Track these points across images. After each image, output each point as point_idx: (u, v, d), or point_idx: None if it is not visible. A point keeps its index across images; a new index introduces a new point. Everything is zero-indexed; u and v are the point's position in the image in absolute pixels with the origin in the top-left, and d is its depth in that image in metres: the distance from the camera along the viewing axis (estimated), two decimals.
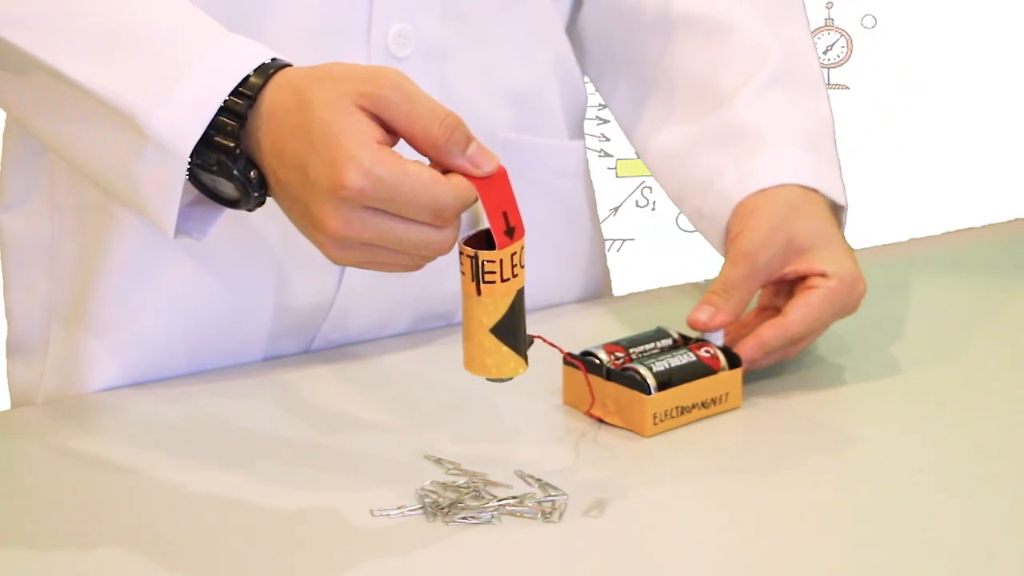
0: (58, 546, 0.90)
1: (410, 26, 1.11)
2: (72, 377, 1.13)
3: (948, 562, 0.87)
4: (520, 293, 0.89)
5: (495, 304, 0.88)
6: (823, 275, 1.11)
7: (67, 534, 0.91)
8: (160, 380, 1.12)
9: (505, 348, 0.90)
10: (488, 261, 0.87)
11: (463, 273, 0.88)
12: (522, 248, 0.88)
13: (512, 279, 0.88)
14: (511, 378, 0.91)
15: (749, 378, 1.07)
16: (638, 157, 1.32)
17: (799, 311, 1.10)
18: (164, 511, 0.94)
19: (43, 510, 0.95)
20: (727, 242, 1.15)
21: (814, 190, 1.16)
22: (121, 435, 1.05)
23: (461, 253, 0.88)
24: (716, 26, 1.24)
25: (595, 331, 1.10)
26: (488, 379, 0.91)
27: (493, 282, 0.88)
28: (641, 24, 1.26)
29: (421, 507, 0.92)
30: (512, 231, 0.88)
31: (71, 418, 1.08)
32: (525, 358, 0.91)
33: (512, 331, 0.89)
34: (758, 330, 1.09)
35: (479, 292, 0.88)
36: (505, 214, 0.88)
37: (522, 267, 0.89)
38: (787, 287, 1.14)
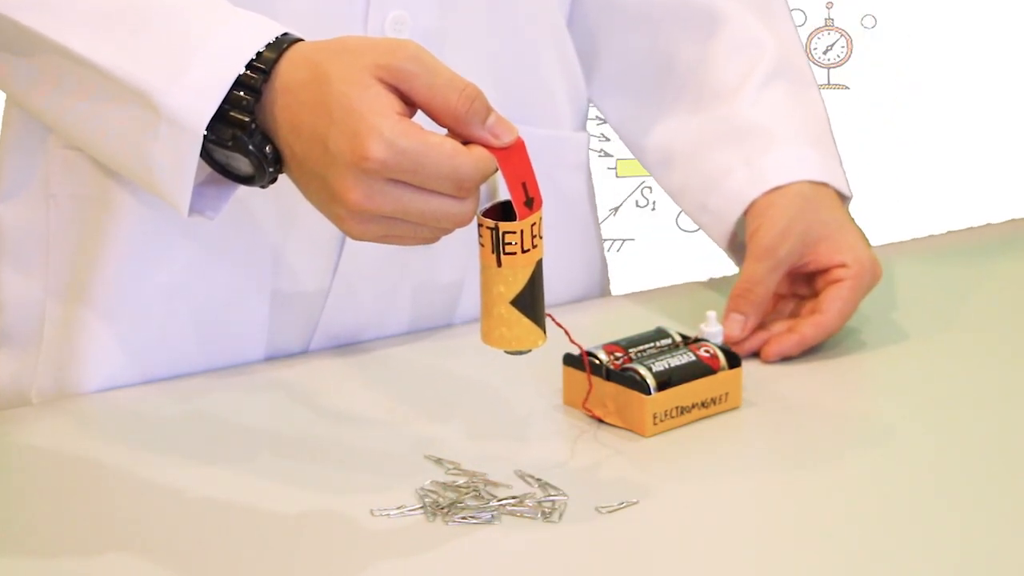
0: (57, 546, 0.90)
1: (407, 13, 1.11)
2: (68, 368, 1.12)
3: (948, 562, 0.87)
4: (539, 264, 0.89)
5: (515, 275, 0.88)
6: (843, 265, 1.16)
7: (66, 533, 0.91)
8: (159, 370, 1.12)
9: (525, 320, 0.89)
10: (508, 232, 0.87)
11: (482, 245, 0.88)
12: (541, 219, 0.88)
13: (532, 250, 0.88)
14: (530, 350, 0.91)
15: (748, 378, 1.07)
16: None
17: (834, 305, 1.15)
18: (162, 510, 0.94)
19: (41, 509, 0.95)
20: (747, 239, 1.18)
21: (823, 183, 1.19)
22: (119, 433, 1.05)
23: (480, 225, 0.88)
24: (705, 16, 1.25)
25: (595, 331, 1.10)
26: (507, 351, 0.91)
27: (513, 253, 0.88)
28: (627, 14, 1.26)
29: (421, 507, 0.92)
30: (531, 202, 0.88)
31: (68, 415, 1.08)
32: (544, 330, 0.91)
33: (532, 302, 0.89)
34: (799, 328, 1.14)
35: (499, 263, 0.88)
36: (524, 184, 0.88)
37: (541, 238, 0.89)
38: (804, 276, 1.19)
